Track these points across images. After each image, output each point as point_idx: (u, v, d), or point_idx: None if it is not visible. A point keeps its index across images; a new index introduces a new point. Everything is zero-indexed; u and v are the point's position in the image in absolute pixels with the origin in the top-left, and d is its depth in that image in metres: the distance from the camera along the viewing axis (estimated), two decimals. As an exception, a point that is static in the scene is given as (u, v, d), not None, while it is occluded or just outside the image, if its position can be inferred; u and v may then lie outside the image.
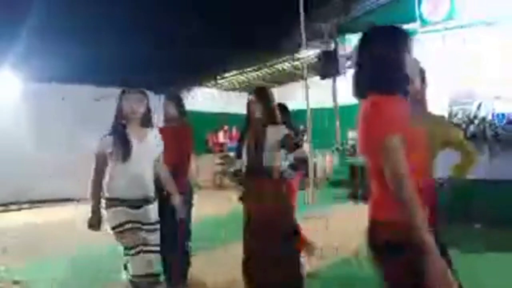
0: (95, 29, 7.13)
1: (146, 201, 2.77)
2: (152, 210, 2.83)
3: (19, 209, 8.51)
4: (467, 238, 4.63)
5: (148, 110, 2.88)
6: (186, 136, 3.78)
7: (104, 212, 2.78)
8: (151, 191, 2.83)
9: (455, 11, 7.12)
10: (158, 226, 2.87)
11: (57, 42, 7.06)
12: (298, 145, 3.09)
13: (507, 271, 3.77)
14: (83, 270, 4.22)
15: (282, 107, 4.04)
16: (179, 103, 3.79)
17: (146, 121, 2.85)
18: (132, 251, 2.67)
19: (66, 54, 7.28)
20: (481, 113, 5.41)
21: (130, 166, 2.69)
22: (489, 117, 5.38)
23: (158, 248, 2.84)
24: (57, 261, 4.68)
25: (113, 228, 2.70)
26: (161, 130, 3.83)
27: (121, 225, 2.68)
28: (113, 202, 2.71)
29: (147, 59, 8.40)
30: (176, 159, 3.64)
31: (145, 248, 2.71)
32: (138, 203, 2.74)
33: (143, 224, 2.75)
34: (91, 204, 2.80)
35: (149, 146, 2.82)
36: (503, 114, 5.66)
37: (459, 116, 5.56)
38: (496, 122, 5.29)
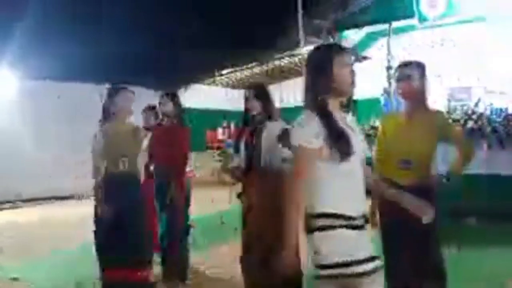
0: (93, 28, 7.10)
1: (366, 218, 1.82)
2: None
3: (13, 208, 8.46)
4: (464, 233, 4.65)
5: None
6: (183, 136, 3.79)
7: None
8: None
9: (453, 7, 7.11)
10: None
11: (54, 40, 7.05)
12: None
13: (503, 265, 3.79)
14: (78, 268, 4.21)
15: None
16: (176, 101, 3.78)
17: (348, 101, 1.87)
18: None
19: (63, 53, 7.26)
20: (479, 109, 5.42)
21: (345, 164, 1.73)
22: (487, 113, 5.39)
23: None
24: (52, 260, 4.69)
25: (326, 267, 1.68)
26: (156, 128, 3.85)
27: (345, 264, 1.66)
28: (329, 220, 1.72)
29: (146, 57, 8.37)
30: (174, 158, 3.66)
31: None
32: (360, 222, 1.76)
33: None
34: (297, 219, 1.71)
35: (359, 137, 1.87)
36: (501, 110, 5.67)
37: (458, 111, 5.57)
38: (494, 117, 5.29)
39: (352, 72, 1.75)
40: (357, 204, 1.76)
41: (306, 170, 1.70)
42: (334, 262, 1.65)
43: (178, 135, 3.76)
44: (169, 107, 3.73)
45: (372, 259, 1.70)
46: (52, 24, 6.81)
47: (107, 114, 3.17)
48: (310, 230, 1.72)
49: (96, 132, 3.16)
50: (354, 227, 1.70)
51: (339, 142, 1.68)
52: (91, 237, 3.27)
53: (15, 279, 4.03)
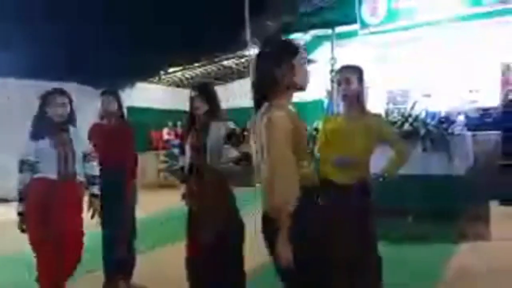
0: (33, 25, 6.77)
1: None
2: None
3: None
4: (400, 230, 4.90)
5: None
6: (129, 137, 3.73)
7: None
8: None
9: (393, 15, 7.47)
10: None
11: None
12: (243, 141, 3.10)
13: (434, 259, 4.06)
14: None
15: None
16: (118, 100, 3.70)
17: None
18: None
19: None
20: (415, 112, 5.72)
21: None
22: (422, 116, 5.71)
23: None
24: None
25: None
26: (98, 127, 3.72)
27: None
28: None
29: (88, 55, 8.07)
30: (121, 159, 3.58)
31: None
32: None
33: None
34: None
35: None
36: (434, 113, 6.04)
37: (395, 114, 5.85)
38: (428, 120, 5.62)
39: None
40: None
41: None
42: None
43: (125, 135, 3.69)
44: (114, 106, 3.66)
45: None
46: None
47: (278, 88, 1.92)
48: None
49: (272, 115, 1.83)
50: None
51: None
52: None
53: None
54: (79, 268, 3.77)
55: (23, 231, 2.91)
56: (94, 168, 3.16)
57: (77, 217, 3.01)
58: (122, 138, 3.65)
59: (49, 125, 2.96)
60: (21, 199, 2.93)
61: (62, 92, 3.03)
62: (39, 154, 2.90)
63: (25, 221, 2.89)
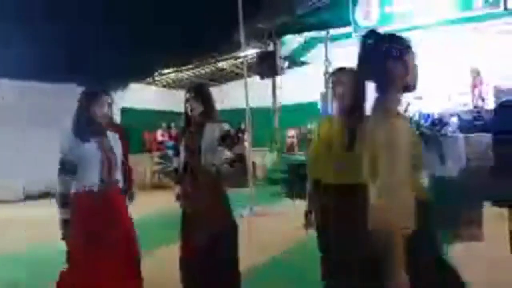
0: (29, 26, 6.73)
1: None
2: None
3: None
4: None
5: None
6: (124, 138, 3.70)
7: None
8: None
9: (386, 18, 7.53)
10: None
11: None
12: (237, 142, 3.10)
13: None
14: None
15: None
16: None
17: None
18: None
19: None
20: (408, 114, 5.76)
21: None
22: (416, 117, 5.75)
23: None
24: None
25: None
26: None
27: None
28: None
29: (83, 55, 8.04)
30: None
31: None
32: None
33: None
34: None
35: None
36: (428, 115, 6.09)
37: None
38: (422, 122, 5.66)
39: None
40: None
41: None
42: None
43: (120, 136, 3.65)
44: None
45: None
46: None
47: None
48: None
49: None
50: None
51: None
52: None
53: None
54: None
55: (64, 239, 2.66)
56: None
57: (129, 226, 2.89)
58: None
59: (95, 127, 2.75)
60: (64, 204, 2.63)
61: (105, 91, 2.82)
62: (84, 157, 2.65)
63: (69, 229, 2.63)
